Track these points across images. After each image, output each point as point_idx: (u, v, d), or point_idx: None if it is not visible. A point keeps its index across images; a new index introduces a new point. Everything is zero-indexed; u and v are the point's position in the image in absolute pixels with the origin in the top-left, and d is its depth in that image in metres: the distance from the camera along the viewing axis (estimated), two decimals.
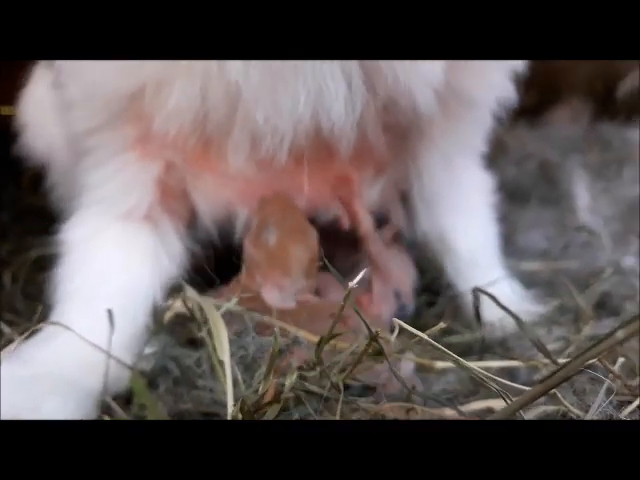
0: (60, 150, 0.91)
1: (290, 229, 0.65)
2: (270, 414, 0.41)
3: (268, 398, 0.42)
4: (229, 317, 0.57)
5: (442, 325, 0.40)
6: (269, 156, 0.59)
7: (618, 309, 0.77)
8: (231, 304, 0.53)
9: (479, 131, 0.75)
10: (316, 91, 0.54)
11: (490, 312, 0.68)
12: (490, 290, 0.72)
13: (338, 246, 0.71)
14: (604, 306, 0.77)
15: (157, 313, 0.61)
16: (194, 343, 0.61)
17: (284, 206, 0.66)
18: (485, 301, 0.68)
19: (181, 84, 0.55)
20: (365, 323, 0.42)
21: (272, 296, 0.61)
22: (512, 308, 0.66)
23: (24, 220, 1.20)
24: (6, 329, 0.61)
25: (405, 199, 0.78)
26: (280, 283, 0.62)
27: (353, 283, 0.43)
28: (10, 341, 0.62)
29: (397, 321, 0.43)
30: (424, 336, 0.41)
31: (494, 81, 0.67)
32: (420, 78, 0.58)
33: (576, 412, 0.47)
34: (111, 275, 0.61)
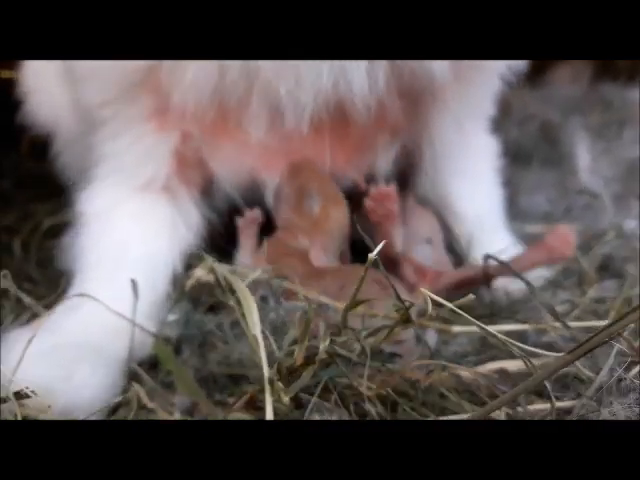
0: (65, 118, 0.90)
1: (328, 196, 0.66)
2: (305, 376, 0.43)
3: (300, 361, 0.44)
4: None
5: (471, 297, 0.41)
6: (290, 127, 0.59)
7: (620, 271, 0.79)
8: (256, 274, 0.55)
9: (488, 94, 0.76)
10: (338, 63, 0.55)
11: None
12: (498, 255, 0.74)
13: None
14: (607, 268, 0.79)
15: (178, 281, 0.62)
16: (215, 309, 0.62)
17: (316, 173, 0.67)
18: None
19: (197, 62, 0.55)
20: (395, 291, 0.44)
21: (319, 257, 0.63)
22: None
23: (26, 187, 1.20)
24: (26, 299, 0.62)
25: (417, 162, 0.79)
26: (325, 245, 0.64)
27: (373, 254, 0.44)
28: (31, 311, 0.63)
29: (427, 292, 0.44)
30: (454, 308, 0.43)
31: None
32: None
33: (587, 374, 0.49)
34: (131, 245, 0.62)
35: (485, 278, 0.67)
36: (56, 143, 0.95)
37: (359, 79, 0.56)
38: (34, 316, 0.61)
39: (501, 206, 0.86)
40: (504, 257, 0.66)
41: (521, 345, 0.46)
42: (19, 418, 0.45)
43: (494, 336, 0.42)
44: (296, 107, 0.58)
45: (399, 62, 0.58)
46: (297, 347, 0.43)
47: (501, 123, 0.90)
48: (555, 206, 1.02)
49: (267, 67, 0.55)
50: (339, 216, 0.66)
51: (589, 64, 1.40)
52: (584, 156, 1.15)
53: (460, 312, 0.41)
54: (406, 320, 0.44)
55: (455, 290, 0.68)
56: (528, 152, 1.16)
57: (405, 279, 0.67)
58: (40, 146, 1.02)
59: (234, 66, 0.56)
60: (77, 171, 0.95)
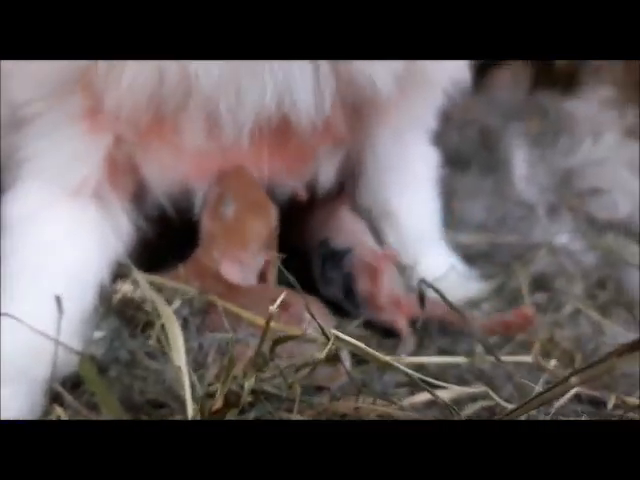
0: None
1: (249, 203, 0.64)
2: (229, 416, 0.42)
3: (219, 405, 0.43)
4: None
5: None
6: (228, 139, 0.57)
7: (549, 285, 0.81)
8: (176, 305, 0.53)
9: (431, 108, 0.76)
10: (283, 83, 0.53)
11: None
12: (434, 267, 0.75)
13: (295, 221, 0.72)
14: (535, 282, 0.82)
15: (105, 295, 0.60)
16: (144, 325, 0.60)
17: (243, 180, 0.64)
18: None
19: (135, 64, 0.52)
20: (322, 329, 0.43)
21: (231, 271, 0.61)
22: (456, 288, 0.70)
23: None
24: None
25: (358, 172, 0.79)
26: (239, 257, 0.62)
27: (273, 308, 0.43)
28: None
29: (335, 332, 0.44)
30: (365, 347, 0.43)
31: (450, 63, 0.67)
32: (381, 64, 0.58)
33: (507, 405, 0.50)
34: (57, 255, 0.59)
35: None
36: None
37: (305, 99, 0.55)
38: None
39: (438, 216, 0.87)
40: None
41: (426, 379, 0.46)
42: None
43: (400, 369, 0.42)
44: (235, 123, 0.56)
45: (345, 79, 0.57)
46: (218, 388, 0.41)
47: (441, 128, 0.91)
48: (490, 214, 1.04)
49: (206, 81, 0.53)
50: (258, 227, 0.64)
51: (529, 69, 1.42)
52: (520, 164, 1.17)
53: (370, 351, 0.41)
54: (333, 358, 0.43)
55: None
56: (466, 158, 1.18)
57: (383, 311, 0.67)
58: None
59: (173, 73, 0.53)
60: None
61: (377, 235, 0.80)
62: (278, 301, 0.42)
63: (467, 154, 1.19)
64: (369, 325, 0.68)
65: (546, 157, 1.19)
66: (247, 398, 0.41)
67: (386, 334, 0.67)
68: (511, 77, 1.41)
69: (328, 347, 0.42)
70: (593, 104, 1.30)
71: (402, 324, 0.65)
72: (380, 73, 0.59)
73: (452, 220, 0.99)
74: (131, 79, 0.54)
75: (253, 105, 0.55)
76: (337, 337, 0.41)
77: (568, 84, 1.36)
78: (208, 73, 0.52)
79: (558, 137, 1.23)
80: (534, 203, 1.05)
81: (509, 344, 0.60)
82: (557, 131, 1.24)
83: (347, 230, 0.77)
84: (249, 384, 0.41)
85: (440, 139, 0.88)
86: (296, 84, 0.54)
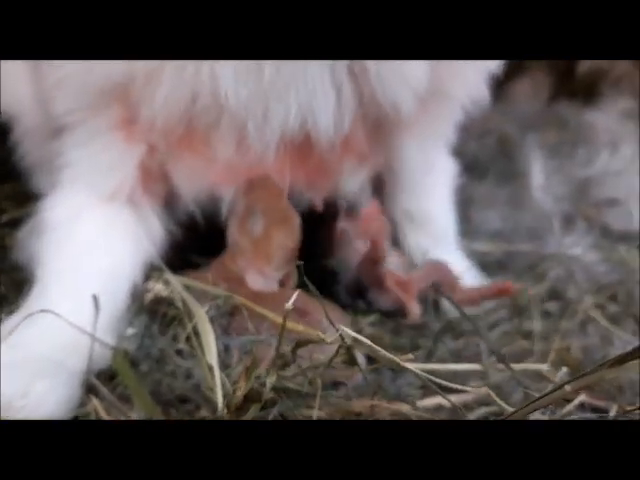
0: (27, 109, 0.90)
1: (275, 216, 0.67)
2: (251, 413, 0.45)
3: (239, 400, 0.46)
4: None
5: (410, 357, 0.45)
6: (255, 153, 0.61)
7: (561, 294, 0.84)
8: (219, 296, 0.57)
9: (451, 124, 0.79)
10: (307, 104, 0.56)
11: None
12: None
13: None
14: (547, 292, 0.84)
15: (137, 294, 0.63)
16: (171, 321, 0.64)
17: (270, 191, 0.67)
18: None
19: (170, 81, 0.56)
20: (338, 330, 0.46)
21: (256, 281, 0.64)
22: None
23: None
24: None
25: (379, 183, 0.82)
26: (263, 270, 0.65)
27: (289, 304, 0.47)
28: None
29: (348, 332, 0.47)
30: (374, 346, 0.46)
31: (470, 81, 0.70)
32: (403, 83, 0.61)
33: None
34: (93, 256, 0.63)
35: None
36: (16, 131, 0.94)
37: (326, 119, 0.58)
38: None
39: (455, 225, 0.90)
40: None
41: (440, 382, 0.49)
42: None
43: (415, 373, 0.45)
44: (261, 140, 0.59)
45: (367, 101, 0.60)
46: (242, 385, 0.45)
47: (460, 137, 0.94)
48: (506, 223, 1.07)
49: (235, 101, 0.56)
50: (283, 238, 0.67)
51: (548, 80, 1.44)
52: (537, 173, 1.19)
53: (387, 354, 0.44)
54: (349, 359, 0.46)
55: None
56: (484, 167, 1.20)
57: (391, 292, 0.72)
58: None
59: (205, 92, 0.57)
60: (37, 164, 0.94)
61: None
62: (292, 298, 0.45)
63: (485, 163, 1.21)
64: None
65: (563, 167, 1.21)
66: (269, 394, 0.45)
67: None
68: (530, 87, 1.43)
69: (339, 347, 0.45)
70: (612, 115, 1.32)
71: (412, 303, 0.71)
72: (401, 93, 0.62)
73: (469, 228, 1.02)
74: (166, 95, 0.57)
75: (278, 124, 0.58)
76: (354, 339, 0.44)
77: (588, 95, 1.37)
78: (237, 95, 0.56)
79: (576, 147, 1.25)
80: (550, 213, 1.08)
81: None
82: (575, 141, 1.26)
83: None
84: (270, 381, 0.45)
85: (458, 148, 0.91)
86: (319, 106, 0.57)
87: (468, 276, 0.83)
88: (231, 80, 0.55)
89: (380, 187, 0.83)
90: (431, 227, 0.85)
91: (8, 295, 0.75)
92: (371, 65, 0.57)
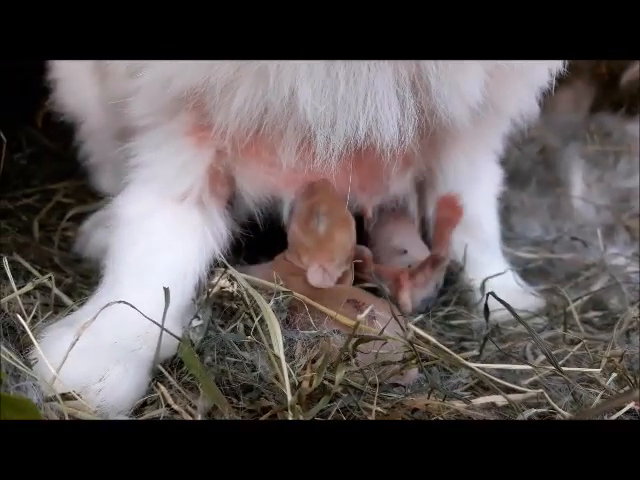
0: (93, 109, 0.95)
1: (336, 218, 0.71)
2: (322, 404, 0.49)
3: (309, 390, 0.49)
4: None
5: None
6: (319, 160, 0.64)
7: (603, 304, 0.86)
8: (283, 293, 0.60)
9: (500, 136, 0.81)
10: (373, 116, 0.59)
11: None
12: (497, 281, 0.81)
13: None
14: (590, 301, 0.86)
15: (203, 288, 0.67)
16: (232, 314, 0.68)
17: (330, 194, 0.71)
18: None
19: (246, 92, 0.60)
20: (405, 333, 0.49)
21: (316, 277, 0.68)
22: (517, 301, 0.75)
23: (43, 164, 1.23)
24: (68, 300, 0.67)
25: (425, 188, 0.85)
26: (325, 267, 0.69)
27: (362, 316, 0.50)
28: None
29: (414, 328, 0.50)
30: (441, 346, 0.49)
31: (522, 96, 0.73)
32: (460, 98, 0.63)
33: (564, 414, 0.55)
34: (163, 252, 0.67)
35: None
36: (82, 131, 0.99)
37: (392, 131, 0.61)
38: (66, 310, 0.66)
39: (499, 231, 0.93)
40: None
41: (500, 381, 0.52)
42: (66, 418, 0.50)
43: (474, 371, 0.47)
44: (327, 149, 0.63)
45: (427, 114, 0.63)
46: (308, 377, 0.48)
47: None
48: (547, 231, 1.09)
49: (312, 116, 0.60)
50: (344, 239, 0.71)
51: (591, 90, 1.45)
52: (579, 183, 1.21)
53: (448, 351, 0.47)
54: (412, 358, 0.49)
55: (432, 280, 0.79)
56: (527, 175, 1.22)
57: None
58: (55, 123, 1.06)
59: (279, 104, 0.60)
60: (100, 163, 1.00)
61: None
62: (366, 312, 0.49)
63: (527, 172, 1.23)
64: None
65: (605, 177, 1.23)
66: (338, 388, 0.48)
67: None
68: (573, 98, 1.45)
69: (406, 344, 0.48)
70: None
71: (403, 297, 0.74)
72: (458, 107, 0.64)
73: (511, 235, 1.04)
74: (240, 105, 0.61)
75: (345, 135, 0.61)
76: (418, 338, 0.47)
77: (631, 106, 1.38)
78: (314, 110, 0.59)
79: (618, 158, 1.26)
80: (591, 223, 1.09)
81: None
82: (617, 152, 1.27)
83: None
84: (340, 377, 0.48)
85: (502, 157, 0.94)
86: (385, 118, 0.60)
87: (510, 285, 0.85)
88: (310, 94, 0.58)
89: (422, 189, 0.86)
90: (477, 232, 0.88)
91: (75, 284, 0.80)
92: (432, 81, 0.60)
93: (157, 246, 0.67)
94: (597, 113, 1.36)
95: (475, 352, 0.67)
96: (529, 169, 1.26)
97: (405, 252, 0.83)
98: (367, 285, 0.73)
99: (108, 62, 0.86)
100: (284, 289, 0.63)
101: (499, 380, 0.51)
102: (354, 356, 0.53)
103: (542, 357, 0.66)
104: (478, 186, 0.86)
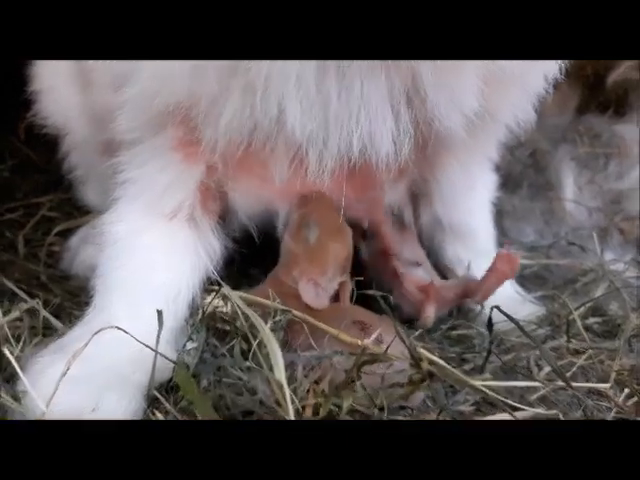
0: (77, 121, 0.92)
1: (329, 227, 0.69)
2: None
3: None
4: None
5: None
6: (311, 175, 0.62)
7: (603, 310, 0.84)
8: (282, 312, 0.58)
9: (495, 143, 0.80)
10: (367, 133, 0.58)
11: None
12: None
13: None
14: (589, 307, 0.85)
15: (197, 309, 0.65)
16: (226, 335, 0.65)
17: (324, 204, 0.70)
18: None
19: (234, 108, 0.58)
20: (412, 355, 0.48)
21: (308, 291, 0.65)
22: (517, 310, 0.73)
23: (27, 176, 1.20)
24: (58, 324, 0.65)
25: (419, 198, 0.84)
26: (316, 279, 0.66)
27: (369, 341, 0.49)
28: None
29: (425, 354, 0.49)
30: (447, 366, 0.47)
31: (517, 103, 0.71)
32: (456, 109, 0.62)
33: None
34: (155, 271, 0.65)
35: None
36: (66, 143, 0.97)
37: (386, 146, 0.59)
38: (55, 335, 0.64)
39: (495, 236, 0.92)
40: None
41: (506, 400, 0.51)
42: None
43: (481, 391, 0.46)
44: (319, 165, 0.61)
45: (422, 126, 0.61)
46: (310, 403, 0.46)
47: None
48: (542, 237, 1.08)
49: (300, 133, 0.58)
50: (337, 249, 0.69)
51: (578, 92, 1.44)
52: (570, 186, 1.20)
53: (455, 372, 0.46)
54: (421, 381, 0.48)
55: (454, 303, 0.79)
56: (518, 180, 1.21)
57: (409, 294, 0.74)
58: (39, 135, 1.03)
59: (267, 122, 0.58)
60: (85, 177, 0.97)
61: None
62: (373, 336, 0.47)
63: (518, 176, 1.22)
64: None
65: (596, 180, 1.22)
66: (345, 417, 0.46)
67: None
68: (559, 100, 1.44)
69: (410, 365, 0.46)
70: None
71: (428, 306, 0.73)
72: (454, 118, 0.63)
73: (505, 240, 1.03)
74: (228, 121, 0.59)
75: (338, 151, 0.59)
76: (428, 360, 0.46)
77: (618, 107, 1.38)
78: (303, 128, 0.57)
79: (609, 160, 1.26)
80: (584, 226, 1.09)
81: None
82: (608, 154, 1.27)
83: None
84: (347, 404, 0.46)
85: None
86: (379, 133, 0.58)
87: (508, 293, 0.84)
88: (298, 112, 0.56)
89: (415, 198, 0.85)
90: (472, 240, 0.87)
91: (63, 304, 0.77)
92: (429, 92, 0.59)
93: (148, 265, 0.65)
94: (585, 115, 1.36)
95: (478, 364, 0.65)
96: (520, 173, 1.25)
97: (419, 265, 0.81)
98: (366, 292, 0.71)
99: (92, 70, 0.84)
100: (282, 307, 0.61)
101: (505, 400, 0.49)
102: (359, 379, 0.51)
103: (547, 368, 0.64)
104: (473, 194, 0.85)
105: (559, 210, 1.17)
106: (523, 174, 1.24)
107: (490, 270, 0.76)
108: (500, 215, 1.09)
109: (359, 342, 0.52)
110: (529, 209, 1.15)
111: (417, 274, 0.80)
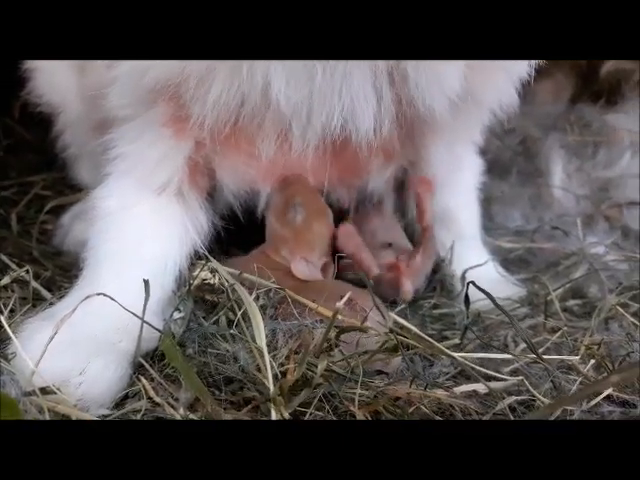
0: (71, 99, 0.93)
1: (313, 209, 0.71)
2: (304, 395, 0.49)
3: (292, 380, 0.49)
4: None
5: None
6: (295, 151, 0.64)
7: (583, 292, 0.86)
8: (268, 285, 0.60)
9: (480, 126, 0.81)
10: (349, 107, 0.59)
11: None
12: (478, 270, 0.81)
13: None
14: (570, 290, 0.87)
15: (184, 281, 0.67)
16: (213, 306, 0.67)
17: (305, 187, 0.72)
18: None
19: (223, 83, 0.59)
20: (386, 320, 0.50)
21: (301, 269, 0.68)
22: (499, 290, 0.75)
23: (20, 155, 1.21)
24: (47, 293, 0.66)
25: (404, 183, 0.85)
26: (307, 257, 0.69)
27: (340, 303, 0.50)
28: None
29: (395, 317, 0.51)
30: (423, 335, 0.49)
31: (501, 87, 0.73)
32: (439, 89, 0.63)
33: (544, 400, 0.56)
34: (143, 244, 0.66)
35: None
36: (59, 121, 0.98)
37: (367, 123, 0.61)
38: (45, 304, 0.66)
39: (480, 221, 0.93)
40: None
41: (481, 369, 0.53)
42: (46, 413, 0.49)
43: (454, 358, 0.48)
44: (303, 140, 0.63)
45: (404, 104, 0.62)
46: (296, 369, 0.48)
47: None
48: (528, 222, 1.10)
49: (284, 104, 0.60)
50: (322, 229, 0.72)
51: (571, 81, 1.45)
52: (559, 173, 1.22)
53: (430, 340, 0.48)
54: (394, 349, 0.49)
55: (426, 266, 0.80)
56: (507, 166, 1.23)
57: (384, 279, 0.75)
58: (32, 114, 1.04)
59: (254, 96, 0.60)
60: (78, 155, 0.98)
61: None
62: (344, 299, 0.49)
63: (508, 162, 1.24)
64: None
65: (584, 167, 1.24)
66: (319, 380, 0.48)
67: None
68: (553, 88, 1.45)
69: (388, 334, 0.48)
70: (635, 117, 1.33)
71: (407, 284, 0.74)
72: (437, 99, 0.64)
73: (492, 225, 1.05)
74: (216, 97, 0.60)
75: (321, 126, 0.61)
76: (399, 327, 0.47)
77: (610, 97, 1.39)
78: (287, 99, 0.59)
79: (598, 148, 1.27)
80: (571, 212, 1.10)
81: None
82: (597, 142, 1.28)
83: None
84: (322, 367, 0.48)
85: (482, 147, 0.94)
86: (360, 110, 0.60)
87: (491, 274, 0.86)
88: (283, 83, 0.58)
89: (402, 184, 0.86)
90: (456, 224, 0.88)
91: (54, 278, 0.79)
92: (410, 72, 0.60)
93: (137, 238, 0.66)
94: (577, 104, 1.37)
95: (457, 341, 0.67)
96: (509, 159, 1.27)
97: (390, 245, 0.83)
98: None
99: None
100: (267, 283, 0.63)
101: (480, 368, 0.51)
102: (337, 346, 0.53)
103: (523, 345, 0.66)
104: (459, 177, 0.87)
105: (547, 196, 1.18)
106: (513, 160, 1.26)
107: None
108: (488, 200, 1.10)
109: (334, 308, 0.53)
110: (518, 195, 1.17)
111: (385, 257, 0.81)
